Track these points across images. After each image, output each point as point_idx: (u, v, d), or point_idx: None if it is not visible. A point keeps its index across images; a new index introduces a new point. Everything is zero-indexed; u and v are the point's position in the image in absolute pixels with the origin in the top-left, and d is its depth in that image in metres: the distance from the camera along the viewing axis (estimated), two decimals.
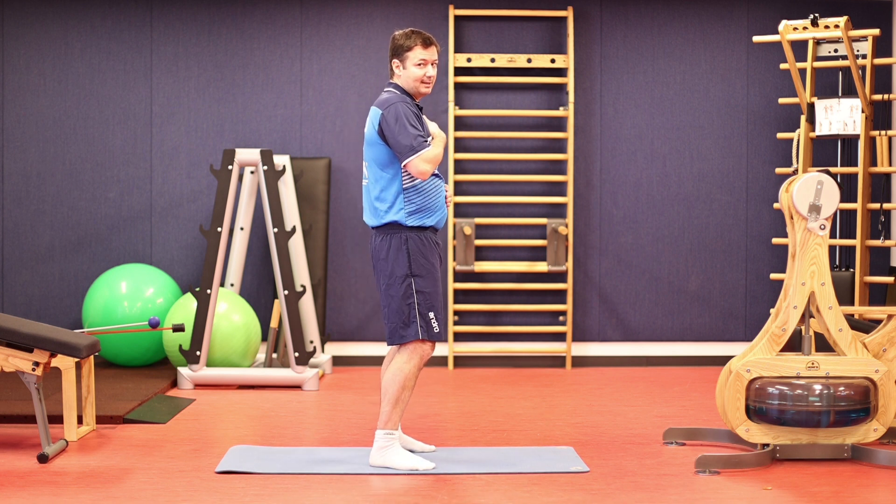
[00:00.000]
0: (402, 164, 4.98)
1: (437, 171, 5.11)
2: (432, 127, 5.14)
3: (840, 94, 7.72)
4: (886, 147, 7.61)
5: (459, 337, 8.37)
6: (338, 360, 8.29)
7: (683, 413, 6.52)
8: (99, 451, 5.44)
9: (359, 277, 8.35)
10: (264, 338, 7.97)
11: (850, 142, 7.84)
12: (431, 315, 5.03)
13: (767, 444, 5.23)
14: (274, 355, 7.62)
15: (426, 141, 4.99)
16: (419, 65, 5.03)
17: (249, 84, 8.32)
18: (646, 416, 6.41)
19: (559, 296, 8.44)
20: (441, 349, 8.24)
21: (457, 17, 8.37)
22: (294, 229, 7.51)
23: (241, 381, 7.32)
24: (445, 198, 5.14)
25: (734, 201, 8.46)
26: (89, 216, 8.29)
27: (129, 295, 7.75)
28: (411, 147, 4.94)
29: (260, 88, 8.32)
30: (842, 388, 5.15)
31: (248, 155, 7.43)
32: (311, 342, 7.86)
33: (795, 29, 7.56)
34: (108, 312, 7.70)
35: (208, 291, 7.27)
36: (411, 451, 5.24)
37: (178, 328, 6.70)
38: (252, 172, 7.77)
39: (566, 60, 8.32)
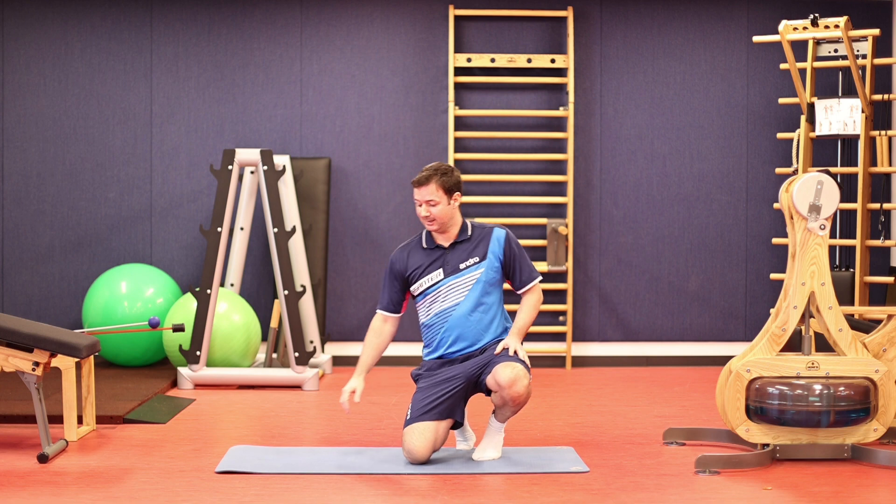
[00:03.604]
0: None
1: (438, 312, 5.25)
2: (353, 383, 5.20)
3: (840, 94, 7.72)
4: (886, 147, 7.61)
5: None
6: (338, 360, 8.29)
7: (683, 413, 6.52)
8: (99, 451, 5.43)
9: (359, 277, 8.35)
10: (264, 338, 7.97)
11: (850, 142, 7.84)
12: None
13: (767, 444, 5.23)
14: (274, 355, 7.62)
15: (382, 301, 5.31)
16: (417, 204, 5.20)
17: (249, 84, 8.32)
18: (646, 416, 6.41)
19: (559, 296, 8.43)
20: None
21: (457, 17, 8.36)
22: (294, 229, 7.51)
23: (241, 381, 7.32)
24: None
25: (734, 201, 8.46)
26: (89, 216, 8.29)
27: (129, 295, 7.75)
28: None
29: (260, 88, 8.32)
30: (842, 388, 5.15)
31: (248, 155, 7.44)
32: (311, 342, 7.86)
33: (795, 29, 7.56)
34: (108, 312, 7.70)
35: (208, 291, 7.27)
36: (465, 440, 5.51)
37: (178, 328, 6.70)
38: (252, 172, 7.77)
39: (566, 60, 8.31)
